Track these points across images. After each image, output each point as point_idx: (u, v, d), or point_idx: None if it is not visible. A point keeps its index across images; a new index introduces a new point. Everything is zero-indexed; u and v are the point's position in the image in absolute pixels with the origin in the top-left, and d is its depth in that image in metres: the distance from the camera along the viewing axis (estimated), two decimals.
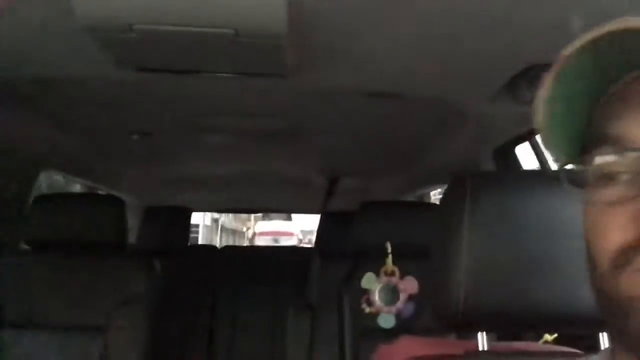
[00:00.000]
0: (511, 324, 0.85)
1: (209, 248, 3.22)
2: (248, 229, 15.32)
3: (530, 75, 1.21)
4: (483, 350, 0.84)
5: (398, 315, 1.54)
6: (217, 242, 12.59)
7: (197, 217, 11.41)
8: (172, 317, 2.48)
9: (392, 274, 1.55)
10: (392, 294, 1.53)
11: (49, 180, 2.88)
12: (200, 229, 12.04)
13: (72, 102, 1.68)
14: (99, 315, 1.73)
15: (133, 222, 2.96)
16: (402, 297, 1.53)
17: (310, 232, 12.13)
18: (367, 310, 1.56)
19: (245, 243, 14.10)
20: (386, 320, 1.53)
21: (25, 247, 1.95)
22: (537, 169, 1.73)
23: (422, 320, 1.53)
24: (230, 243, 13.72)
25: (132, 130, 2.04)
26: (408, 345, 1.02)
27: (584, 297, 0.78)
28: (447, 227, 0.83)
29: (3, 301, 1.71)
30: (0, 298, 1.71)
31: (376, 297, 1.54)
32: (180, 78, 1.38)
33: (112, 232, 1.84)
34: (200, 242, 10.31)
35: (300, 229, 13.00)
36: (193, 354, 2.70)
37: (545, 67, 1.22)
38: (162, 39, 1.07)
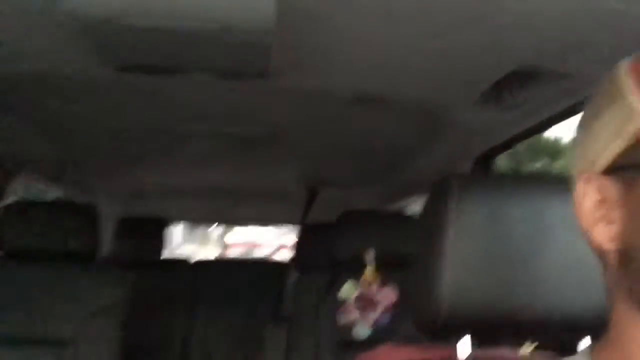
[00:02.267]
0: (495, 331, 0.83)
1: (183, 262, 3.15)
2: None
3: (514, 80, 1.21)
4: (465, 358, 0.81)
5: (374, 326, 1.50)
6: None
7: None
8: (144, 331, 2.41)
9: (370, 284, 1.52)
10: (368, 304, 1.49)
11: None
12: (176, 234, 11.95)
13: (47, 103, 1.63)
14: (68, 328, 1.67)
15: (107, 233, 2.89)
16: (379, 308, 1.49)
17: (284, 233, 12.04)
18: (343, 321, 1.51)
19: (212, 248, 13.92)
20: (361, 331, 1.49)
21: None
22: (525, 173, 1.72)
23: (400, 330, 1.50)
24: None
25: (108, 136, 2.00)
26: (386, 352, 0.99)
27: (569, 303, 0.77)
28: (430, 230, 0.80)
29: None
30: None
31: (353, 308, 1.50)
32: (161, 79, 1.35)
33: (83, 241, 1.79)
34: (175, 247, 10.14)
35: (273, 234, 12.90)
36: None
37: (531, 69, 1.21)
38: (144, 34, 1.04)
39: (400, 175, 2.27)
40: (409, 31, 1.04)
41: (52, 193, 2.76)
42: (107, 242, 2.85)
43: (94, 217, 1.81)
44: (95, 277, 1.79)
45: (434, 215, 0.81)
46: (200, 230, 15.36)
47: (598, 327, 0.78)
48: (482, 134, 1.56)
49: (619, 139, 0.46)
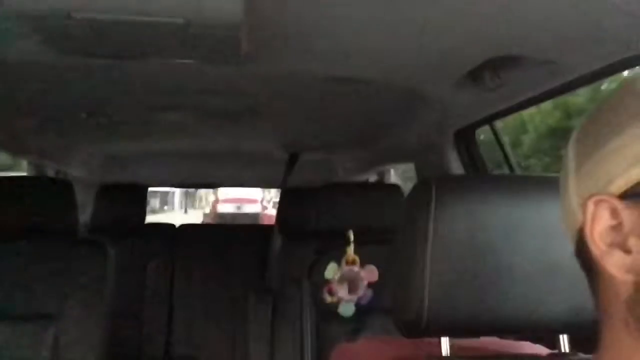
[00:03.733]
0: (475, 331, 0.85)
1: (167, 226, 3.13)
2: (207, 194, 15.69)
3: (495, 64, 1.18)
4: (446, 356, 0.83)
5: (357, 304, 1.53)
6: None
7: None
8: (128, 301, 2.42)
9: (354, 262, 1.54)
10: (353, 283, 1.52)
11: None
12: (176, 198, 12.07)
13: (14, 83, 1.57)
14: (50, 304, 1.66)
15: (87, 199, 2.86)
16: (362, 285, 1.52)
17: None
18: (329, 300, 1.54)
19: (207, 209, 14.15)
20: (346, 309, 1.52)
21: None
22: (504, 173, 1.72)
23: (381, 306, 1.53)
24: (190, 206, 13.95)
25: (81, 109, 1.94)
26: (368, 346, 1.01)
27: (549, 302, 0.78)
28: (411, 232, 0.81)
29: None
30: None
31: (337, 287, 1.52)
32: (130, 63, 1.29)
33: (61, 217, 1.77)
34: (176, 209, 10.35)
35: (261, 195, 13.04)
36: (151, 337, 2.65)
37: (507, 59, 1.19)
38: (105, 28, 0.99)
39: (381, 144, 2.26)
40: (389, 18, 1.01)
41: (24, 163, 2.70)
42: (88, 208, 2.83)
43: (70, 191, 1.79)
44: (76, 253, 1.77)
45: (413, 218, 0.81)
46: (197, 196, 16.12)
47: (577, 328, 0.81)
48: (462, 111, 1.54)
49: None
